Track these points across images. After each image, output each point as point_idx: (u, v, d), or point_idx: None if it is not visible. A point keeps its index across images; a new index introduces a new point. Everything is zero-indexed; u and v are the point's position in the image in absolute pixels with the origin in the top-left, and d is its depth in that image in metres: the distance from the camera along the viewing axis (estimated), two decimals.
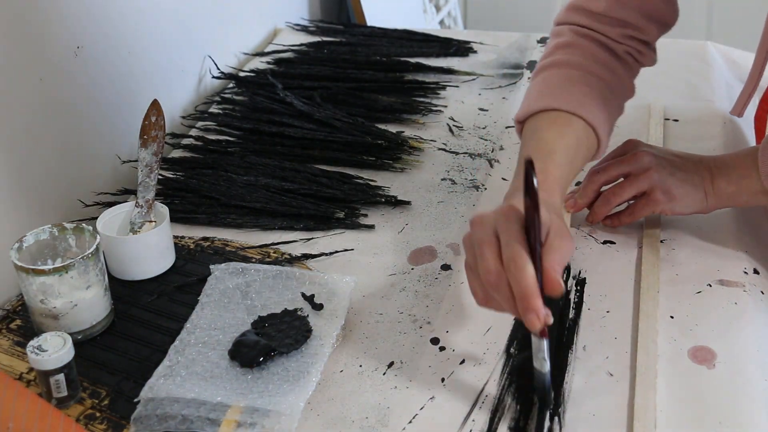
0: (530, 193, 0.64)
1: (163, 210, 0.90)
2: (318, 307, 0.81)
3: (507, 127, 1.19)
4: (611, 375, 0.74)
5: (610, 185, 0.91)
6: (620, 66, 0.92)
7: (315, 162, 1.10)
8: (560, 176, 0.80)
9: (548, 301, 0.66)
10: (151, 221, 0.90)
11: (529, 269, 0.64)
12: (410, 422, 0.70)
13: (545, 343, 0.67)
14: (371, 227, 0.97)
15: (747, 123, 1.21)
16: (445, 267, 0.90)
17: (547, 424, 0.69)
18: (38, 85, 0.92)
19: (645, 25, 0.90)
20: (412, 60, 1.38)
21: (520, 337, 0.79)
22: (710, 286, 0.85)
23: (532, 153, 0.81)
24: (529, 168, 0.63)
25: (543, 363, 0.68)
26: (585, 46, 0.90)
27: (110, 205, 0.98)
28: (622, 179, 0.90)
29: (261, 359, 0.74)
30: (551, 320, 0.65)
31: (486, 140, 1.16)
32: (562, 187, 0.80)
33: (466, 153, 1.13)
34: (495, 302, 0.68)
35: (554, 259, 0.67)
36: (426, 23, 2.06)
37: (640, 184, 0.88)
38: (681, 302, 0.83)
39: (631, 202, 0.91)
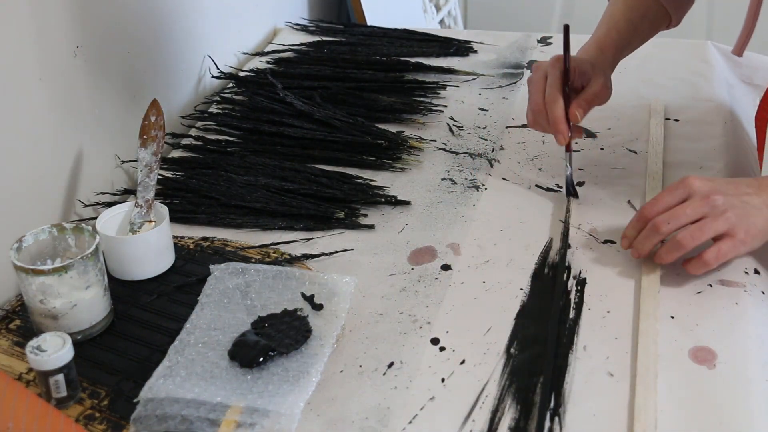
0: (565, 51, 0.95)
1: (163, 210, 0.90)
2: (318, 307, 0.81)
3: (507, 127, 1.19)
4: (611, 375, 0.74)
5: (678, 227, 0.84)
6: None
7: (315, 162, 1.10)
8: (618, 39, 1.03)
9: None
10: (150, 221, 0.90)
11: (559, 104, 0.94)
12: (410, 422, 0.70)
13: (568, 155, 0.98)
14: (371, 227, 0.97)
15: (748, 123, 1.21)
16: (445, 267, 0.90)
17: (547, 424, 0.69)
18: (38, 85, 0.92)
19: None
20: (412, 60, 1.38)
21: (520, 338, 0.79)
22: (711, 286, 0.84)
23: (601, 22, 1.06)
24: (565, 32, 0.95)
25: (567, 168, 0.99)
26: None
27: (110, 205, 0.98)
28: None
29: (261, 359, 0.74)
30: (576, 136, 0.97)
31: (486, 140, 1.16)
32: (618, 48, 1.04)
33: (466, 153, 1.13)
34: (539, 125, 0.98)
35: (583, 98, 0.96)
36: (426, 23, 2.06)
37: (718, 226, 0.82)
38: (681, 302, 0.83)
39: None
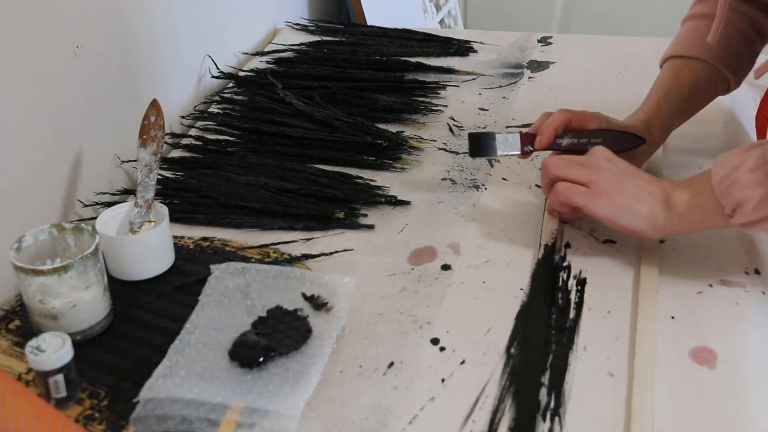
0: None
1: (163, 210, 0.90)
2: (318, 307, 0.81)
3: (507, 127, 1.19)
4: (612, 375, 0.74)
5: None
6: (760, 14, 1.01)
7: (315, 162, 1.10)
8: (668, 113, 1.00)
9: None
10: (150, 221, 0.90)
11: (553, 119, 0.94)
12: (410, 422, 0.70)
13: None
14: (371, 227, 0.97)
15: (748, 123, 1.21)
16: (445, 267, 0.90)
17: (547, 424, 0.69)
18: (38, 85, 0.92)
19: None
20: (413, 59, 1.38)
21: (520, 338, 0.79)
22: (711, 286, 0.84)
23: (652, 90, 1.03)
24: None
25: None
26: None
27: (109, 205, 0.98)
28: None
29: (261, 360, 0.74)
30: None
31: None
32: (664, 118, 1.00)
33: (466, 153, 1.13)
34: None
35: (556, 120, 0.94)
36: (426, 23, 2.05)
37: (581, 172, 0.86)
38: (682, 302, 0.82)
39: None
